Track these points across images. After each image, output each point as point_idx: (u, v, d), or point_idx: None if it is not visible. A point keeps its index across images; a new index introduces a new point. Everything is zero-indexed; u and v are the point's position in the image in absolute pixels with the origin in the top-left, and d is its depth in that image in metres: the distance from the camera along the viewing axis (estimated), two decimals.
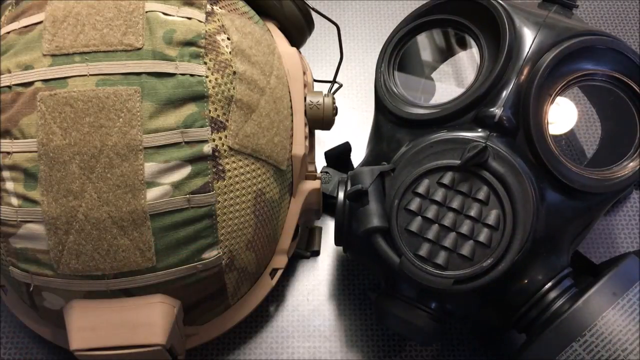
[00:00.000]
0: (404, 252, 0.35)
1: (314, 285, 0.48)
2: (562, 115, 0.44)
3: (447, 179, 0.35)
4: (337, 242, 0.42)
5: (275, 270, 0.43)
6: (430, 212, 0.35)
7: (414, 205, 0.35)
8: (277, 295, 0.48)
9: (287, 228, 0.43)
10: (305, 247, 0.49)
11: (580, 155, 0.52)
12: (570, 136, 0.53)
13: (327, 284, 0.48)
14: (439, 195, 0.35)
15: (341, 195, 0.40)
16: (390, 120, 0.41)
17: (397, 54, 0.43)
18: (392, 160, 0.38)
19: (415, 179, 0.36)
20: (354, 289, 0.48)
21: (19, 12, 0.36)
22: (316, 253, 0.50)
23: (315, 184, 0.43)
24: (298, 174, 0.42)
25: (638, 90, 0.38)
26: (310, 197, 0.43)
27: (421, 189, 0.35)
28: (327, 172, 0.49)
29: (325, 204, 0.47)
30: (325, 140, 0.55)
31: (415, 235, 0.35)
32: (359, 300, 0.48)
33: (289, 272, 0.49)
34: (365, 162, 0.43)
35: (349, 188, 0.37)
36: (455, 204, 0.35)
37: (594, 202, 0.38)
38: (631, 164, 0.37)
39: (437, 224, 0.35)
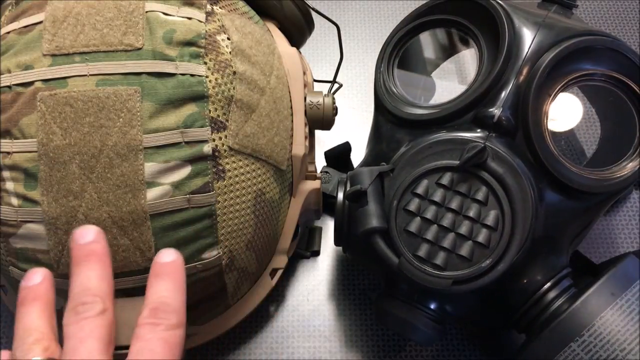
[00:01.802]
0: (402, 253, 0.35)
1: (314, 285, 0.48)
2: (566, 111, 0.44)
3: (446, 179, 0.35)
4: (337, 242, 0.42)
5: (275, 270, 0.43)
6: (429, 213, 0.35)
7: (413, 205, 0.35)
8: (277, 295, 0.48)
9: (287, 228, 0.43)
10: (305, 247, 0.49)
11: (579, 155, 0.52)
12: (569, 136, 0.53)
13: (327, 284, 0.48)
14: (437, 195, 0.35)
15: (340, 195, 0.40)
16: (389, 121, 0.41)
17: (397, 54, 0.43)
18: (392, 160, 0.38)
19: (414, 180, 0.36)
20: (354, 289, 0.48)
21: (19, 12, 0.36)
22: (316, 253, 0.50)
23: (315, 184, 0.43)
24: (298, 174, 0.42)
25: (637, 91, 0.37)
26: (310, 197, 0.43)
27: (420, 190, 0.35)
28: (327, 172, 0.49)
29: (325, 203, 0.47)
30: (325, 140, 0.55)
31: (414, 235, 0.35)
32: (359, 300, 0.48)
33: (289, 272, 0.49)
34: (365, 163, 0.43)
35: (348, 188, 0.37)
36: (454, 205, 0.35)
37: (593, 202, 0.38)
38: (630, 164, 0.37)
39: (436, 225, 0.35)
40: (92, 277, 0.29)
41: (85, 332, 0.27)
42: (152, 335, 0.28)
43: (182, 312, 0.29)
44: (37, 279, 0.30)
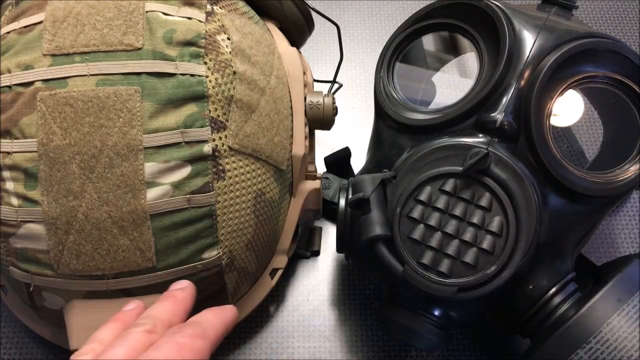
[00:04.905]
0: (406, 260, 0.35)
1: (314, 285, 0.48)
2: (568, 112, 0.43)
3: (449, 186, 0.35)
4: (339, 249, 0.42)
5: (275, 270, 0.43)
6: (433, 220, 0.35)
7: (416, 212, 0.35)
8: (277, 295, 0.48)
9: (287, 228, 0.43)
10: (305, 247, 0.49)
11: (582, 158, 0.52)
12: (572, 139, 0.53)
13: (328, 284, 0.48)
14: (441, 202, 0.35)
15: (342, 202, 0.40)
16: (390, 126, 0.40)
17: (396, 59, 0.43)
18: (394, 167, 0.38)
19: (417, 187, 0.35)
20: (355, 289, 0.48)
21: (19, 12, 0.36)
22: (316, 253, 0.50)
23: (315, 184, 0.43)
24: (298, 174, 0.42)
25: (639, 92, 0.37)
26: (310, 197, 0.43)
27: (423, 197, 0.35)
28: (327, 178, 0.49)
29: (325, 209, 0.47)
30: (325, 141, 0.55)
31: (418, 243, 0.35)
32: (359, 300, 0.48)
33: (289, 272, 0.49)
34: (366, 169, 0.42)
35: (350, 196, 0.37)
36: (457, 211, 0.35)
37: (597, 206, 0.37)
38: (633, 167, 0.37)
39: (439, 232, 0.35)
40: (157, 307, 0.30)
41: (121, 341, 0.27)
42: (167, 339, 0.27)
43: (211, 336, 0.29)
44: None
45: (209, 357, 0.28)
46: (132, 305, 0.31)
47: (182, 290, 0.31)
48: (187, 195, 0.34)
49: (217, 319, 0.30)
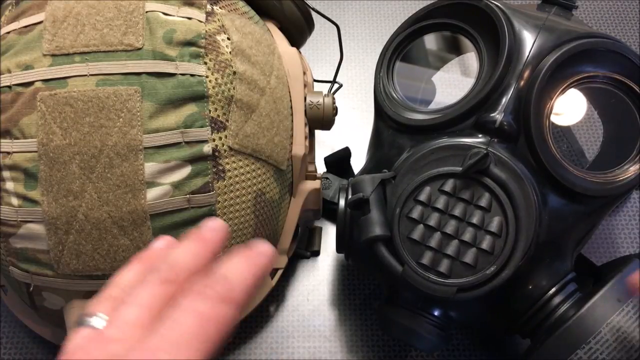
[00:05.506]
0: (406, 261, 0.35)
1: (314, 285, 0.48)
2: (569, 107, 0.43)
3: (448, 186, 0.35)
4: (339, 249, 0.42)
5: (275, 270, 0.43)
6: (432, 220, 0.35)
7: (415, 213, 0.35)
8: (277, 295, 0.48)
9: (287, 228, 0.43)
10: (305, 247, 0.49)
11: (582, 158, 0.52)
12: (571, 139, 0.53)
13: (328, 284, 0.48)
14: (440, 202, 0.35)
15: (342, 203, 0.40)
16: (390, 126, 0.40)
17: (396, 59, 0.43)
18: (393, 167, 0.38)
19: (417, 187, 0.35)
20: (355, 289, 0.48)
21: (19, 12, 0.36)
22: (316, 253, 0.50)
23: (315, 184, 0.43)
24: (298, 174, 0.42)
25: (639, 92, 0.37)
26: (310, 197, 0.43)
27: (423, 197, 0.35)
28: (327, 178, 0.49)
29: (325, 209, 0.47)
30: (325, 141, 0.55)
31: (418, 243, 0.35)
32: (359, 300, 0.48)
33: (289, 272, 0.49)
34: (366, 169, 0.42)
35: (350, 196, 0.37)
36: (457, 212, 0.35)
37: (597, 206, 0.37)
38: (633, 167, 0.37)
39: (439, 232, 0.35)
40: (181, 252, 0.26)
41: (134, 299, 0.24)
42: (187, 304, 0.23)
43: (238, 297, 0.24)
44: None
45: (231, 326, 0.24)
46: (161, 243, 0.27)
47: (213, 232, 0.27)
48: (187, 195, 0.34)
49: (250, 272, 0.25)
